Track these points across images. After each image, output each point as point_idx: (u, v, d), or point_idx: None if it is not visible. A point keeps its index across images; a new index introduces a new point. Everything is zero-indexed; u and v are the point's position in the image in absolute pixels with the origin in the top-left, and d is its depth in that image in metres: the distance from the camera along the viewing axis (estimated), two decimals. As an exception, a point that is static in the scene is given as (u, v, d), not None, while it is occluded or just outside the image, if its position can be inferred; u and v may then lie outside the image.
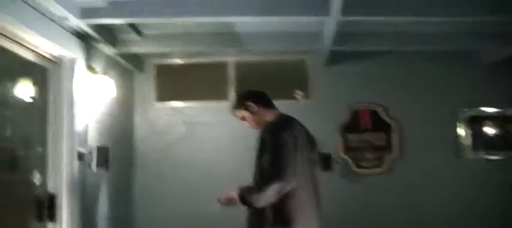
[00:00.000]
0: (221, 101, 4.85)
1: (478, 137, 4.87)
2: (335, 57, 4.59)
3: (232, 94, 4.85)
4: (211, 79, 4.95)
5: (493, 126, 4.91)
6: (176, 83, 4.96)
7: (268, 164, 2.64)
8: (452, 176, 4.84)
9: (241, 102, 3.06)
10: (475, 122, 4.88)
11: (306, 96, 4.91)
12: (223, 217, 3.72)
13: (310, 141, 2.98)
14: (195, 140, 4.88)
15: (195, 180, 4.78)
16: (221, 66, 4.96)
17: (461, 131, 4.87)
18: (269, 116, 2.97)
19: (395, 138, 4.86)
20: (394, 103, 4.90)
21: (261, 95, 3.09)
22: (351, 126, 4.90)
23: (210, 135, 4.86)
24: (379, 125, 4.89)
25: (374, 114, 4.89)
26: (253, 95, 3.06)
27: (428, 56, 4.91)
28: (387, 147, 4.86)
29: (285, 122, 2.88)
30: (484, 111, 4.91)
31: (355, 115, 4.89)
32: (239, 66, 4.97)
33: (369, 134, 4.89)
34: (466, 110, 4.88)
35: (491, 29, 4.18)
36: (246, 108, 3.02)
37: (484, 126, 4.90)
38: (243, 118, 3.07)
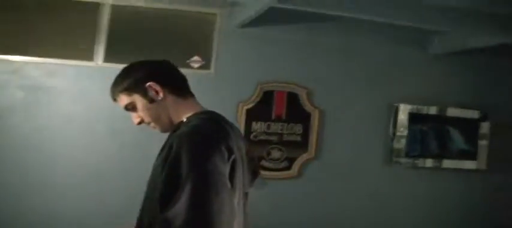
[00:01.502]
0: (83, 59, 3.37)
1: (415, 140, 3.89)
2: (257, 18, 3.30)
3: (100, 51, 3.39)
4: (70, 26, 3.38)
5: (433, 128, 3.95)
6: (13, 28, 3.32)
7: (184, 208, 1.43)
8: (379, 184, 3.85)
9: (134, 82, 1.74)
10: (414, 122, 3.88)
11: (206, 66, 3.59)
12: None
13: (251, 158, 1.82)
14: (37, 113, 3.35)
15: (35, 171, 3.32)
16: (88, 8, 3.43)
17: (396, 131, 3.86)
18: (183, 111, 1.76)
19: (313, 132, 3.74)
20: (320, 87, 3.75)
21: (172, 72, 1.82)
22: (259, 111, 3.66)
23: (60, 109, 3.37)
24: (296, 113, 3.71)
25: (293, 98, 3.70)
26: (157, 71, 1.78)
27: (373, 36, 3.80)
28: (302, 144, 3.72)
29: (215, 127, 1.68)
30: (425, 111, 3.92)
31: (268, 97, 3.66)
32: (117, 12, 3.46)
33: (282, 124, 3.70)
34: (404, 106, 3.85)
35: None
36: (143, 93, 1.73)
37: (423, 127, 3.92)
38: (133, 108, 1.77)
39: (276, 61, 3.68)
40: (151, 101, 1.72)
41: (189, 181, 1.44)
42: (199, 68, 3.57)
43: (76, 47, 3.39)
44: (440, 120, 3.95)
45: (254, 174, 1.84)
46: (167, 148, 1.57)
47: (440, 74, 4.03)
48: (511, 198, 4.22)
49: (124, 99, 1.76)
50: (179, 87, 1.79)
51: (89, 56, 3.39)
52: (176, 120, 1.75)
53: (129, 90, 1.74)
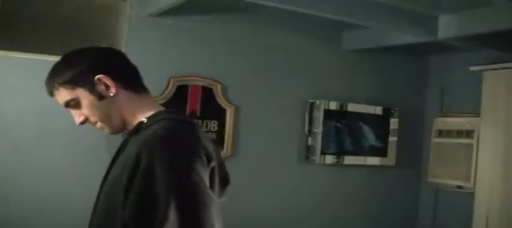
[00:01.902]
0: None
1: (330, 137, 3.87)
2: (172, 8, 3.08)
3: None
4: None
5: (347, 125, 3.95)
6: None
7: None
8: (295, 181, 3.78)
9: (79, 74, 1.45)
10: (329, 119, 3.85)
11: (113, 56, 3.29)
12: None
13: (220, 163, 1.55)
14: None
15: None
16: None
17: (312, 128, 3.81)
18: (140, 110, 1.49)
19: (229, 129, 3.58)
20: (235, 82, 3.60)
21: (124, 62, 1.54)
22: (173, 107, 3.39)
23: None
24: (211, 109, 3.53)
25: (207, 94, 3.51)
26: (107, 61, 1.51)
27: (288, 31, 3.71)
28: (218, 142, 3.53)
29: (189, 130, 1.45)
30: (339, 107, 3.90)
31: (182, 92, 3.43)
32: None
33: (196, 121, 3.48)
34: (318, 102, 3.81)
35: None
36: (90, 88, 1.45)
37: (338, 124, 3.91)
38: (76, 105, 1.48)
39: (189, 54, 3.48)
40: (101, 97, 1.44)
41: (172, 199, 1.23)
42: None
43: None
44: (353, 116, 3.96)
45: (224, 181, 1.58)
46: (131, 157, 1.31)
47: (353, 70, 4.04)
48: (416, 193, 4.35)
49: (64, 95, 1.45)
50: (133, 81, 1.51)
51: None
52: (132, 121, 1.48)
53: (71, 84, 1.44)
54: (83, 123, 1.50)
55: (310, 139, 3.80)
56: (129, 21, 3.33)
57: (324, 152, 3.83)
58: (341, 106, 3.89)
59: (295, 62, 3.80)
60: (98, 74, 1.43)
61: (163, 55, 3.41)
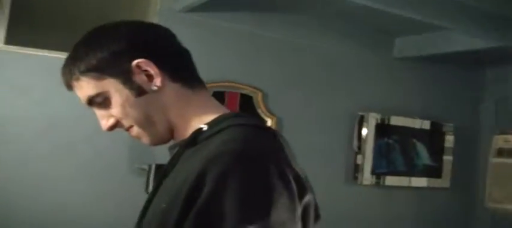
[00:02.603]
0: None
1: (382, 155, 3.40)
2: (205, 2, 2.65)
3: (0, 32, 2.56)
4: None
5: (404, 140, 3.48)
6: None
7: None
8: (341, 204, 3.31)
9: (110, 57, 1.01)
10: (381, 134, 3.39)
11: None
12: None
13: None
14: None
15: None
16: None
17: (361, 144, 3.34)
18: (198, 112, 1.07)
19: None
20: (276, 91, 3.15)
21: (174, 44, 1.11)
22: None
23: None
24: (250, 119, 3.08)
25: (246, 102, 3.06)
26: (151, 41, 1.07)
27: (338, 33, 3.27)
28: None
29: (274, 145, 0.99)
30: (393, 121, 3.44)
31: (217, 98, 2.96)
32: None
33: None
34: (369, 116, 3.35)
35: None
36: (125, 78, 1.02)
37: (390, 140, 3.44)
38: (103, 102, 1.05)
39: (227, 56, 3.03)
40: (139, 92, 1.02)
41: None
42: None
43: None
44: (405, 132, 3.50)
45: (316, 217, 1.10)
46: (187, 180, 0.89)
47: (405, 80, 3.59)
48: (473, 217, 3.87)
49: (87, 87, 1.03)
50: (186, 71, 1.09)
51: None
52: (183, 128, 1.06)
53: (98, 72, 1.01)
54: (112, 128, 1.07)
55: (359, 157, 3.33)
56: (159, 16, 2.90)
57: (374, 172, 3.36)
58: (391, 120, 3.43)
59: (343, 69, 3.35)
60: (137, 58, 1.00)
61: (198, 57, 2.95)
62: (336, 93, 3.32)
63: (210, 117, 1.03)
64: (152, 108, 1.03)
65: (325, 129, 3.27)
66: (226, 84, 2.99)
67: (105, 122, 1.06)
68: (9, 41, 2.55)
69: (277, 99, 3.13)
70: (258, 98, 3.06)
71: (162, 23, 2.75)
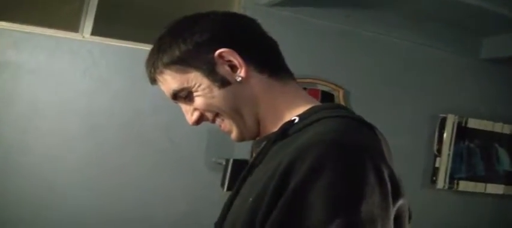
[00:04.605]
0: (65, 29, 2.50)
1: (462, 159, 3.26)
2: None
3: (88, 20, 2.54)
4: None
5: (486, 145, 3.33)
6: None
7: None
8: (417, 209, 3.18)
9: (194, 48, 0.95)
10: (462, 138, 3.25)
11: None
12: None
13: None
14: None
15: None
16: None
17: (441, 147, 3.21)
18: (287, 104, 0.99)
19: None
20: (358, 90, 3.04)
21: (258, 34, 1.02)
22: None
23: (25, 93, 2.48)
24: (329, 118, 2.99)
25: (327, 99, 2.96)
26: (235, 31, 0.99)
27: (422, 32, 3.13)
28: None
29: (371, 138, 0.88)
30: (475, 124, 3.29)
31: (297, 96, 2.91)
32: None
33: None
34: (450, 118, 3.20)
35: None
36: (209, 69, 0.96)
37: (473, 144, 3.30)
38: (188, 96, 0.99)
39: (309, 52, 2.95)
40: (223, 82, 0.96)
41: None
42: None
43: (57, 12, 2.51)
44: (487, 136, 3.34)
45: (409, 218, 1.06)
46: (278, 170, 0.82)
47: (491, 82, 3.42)
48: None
49: (172, 81, 0.98)
50: (273, 61, 1.01)
51: (73, 25, 2.52)
52: (272, 121, 0.98)
53: (182, 64, 0.96)
54: (198, 122, 1.01)
55: (438, 160, 3.20)
56: (242, 10, 2.83)
57: (453, 177, 3.23)
58: (469, 122, 3.28)
59: (426, 69, 3.22)
60: (220, 48, 0.94)
61: (285, 49, 2.88)
62: (419, 94, 3.20)
63: (302, 109, 0.96)
64: (238, 100, 0.97)
65: (406, 130, 3.16)
66: (308, 80, 2.91)
67: (190, 116, 1.01)
68: (96, 32, 2.53)
69: (358, 97, 3.04)
70: (339, 96, 2.97)
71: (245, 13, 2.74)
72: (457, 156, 3.23)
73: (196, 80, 0.97)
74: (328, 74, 2.96)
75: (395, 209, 0.83)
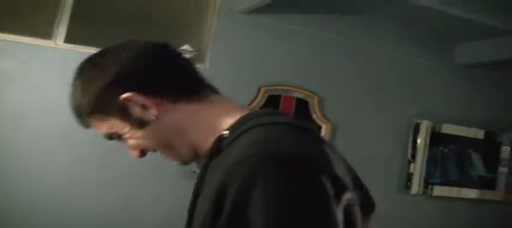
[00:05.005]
0: (39, 37, 2.49)
1: (435, 164, 3.31)
2: (267, 3, 2.59)
3: (61, 28, 2.54)
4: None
5: (459, 150, 3.38)
6: None
7: None
8: (392, 214, 3.21)
9: (100, 97, 0.96)
10: (437, 143, 3.29)
11: (199, 58, 2.80)
12: None
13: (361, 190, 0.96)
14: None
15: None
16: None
17: (415, 152, 3.25)
18: (215, 121, 0.98)
19: (321, 148, 3.05)
20: (332, 95, 3.07)
21: (164, 60, 1.01)
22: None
23: (7, 99, 2.47)
24: (305, 125, 3.00)
25: (301, 106, 2.99)
26: (136, 66, 0.97)
27: (394, 41, 3.17)
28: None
29: (303, 140, 0.88)
30: (449, 129, 3.33)
31: (273, 103, 2.92)
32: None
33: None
34: (424, 124, 3.25)
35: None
36: (122, 114, 0.96)
37: (447, 149, 3.34)
38: (119, 137, 1.01)
39: (284, 59, 2.97)
40: (141, 123, 0.97)
41: None
42: (191, 57, 2.79)
43: (32, 21, 2.50)
44: (461, 141, 3.39)
45: (368, 207, 1.01)
46: (212, 192, 0.82)
47: (465, 88, 3.47)
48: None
49: (101, 126, 1.01)
50: (188, 85, 1.00)
51: (47, 33, 2.51)
52: (205, 141, 0.97)
53: (98, 112, 0.98)
54: (142, 155, 1.03)
55: (412, 166, 3.24)
56: (218, 17, 2.85)
57: (428, 182, 3.27)
58: (443, 128, 3.32)
59: (401, 75, 3.26)
60: (123, 93, 0.94)
61: (254, 59, 2.90)
62: (393, 99, 3.23)
63: (230, 121, 0.95)
64: (162, 134, 0.98)
65: (380, 136, 3.19)
66: (282, 87, 2.93)
67: (132, 153, 1.03)
68: (69, 39, 2.53)
69: (333, 104, 3.06)
70: (314, 103, 2.99)
71: (222, 24, 2.76)
72: (432, 162, 3.27)
73: (117, 125, 0.98)
74: (303, 81, 2.98)
75: (343, 204, 0.82)
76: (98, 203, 2.61)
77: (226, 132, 0.93)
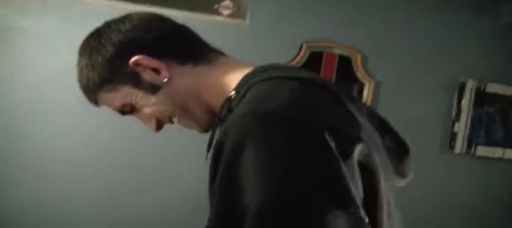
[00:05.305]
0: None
1: (481, 125, 3.22)
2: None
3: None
4: None
5: (505, 110, 3.27)
6: None
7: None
8: (436, 175, 3.15)
9: (109, 66, 0.97)
10: (481, 103, 3.19)
11: (239, 15, 2.75)
12: None
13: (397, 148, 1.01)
14: None
15: None
16: None
17: (460, 111, 3.16)
18: (223, 82, 0.97)
19: (363, 106, 2.99)
20: (376, 53, 2.99)
21: (166, 27, 1.02)
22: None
23: (34, 62, 2.48)
24: (347, 83, 2.94)
25: (344, 63, 2.92)
26: (141, 33, 0.98)
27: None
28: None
29: (305, 94, 0.83)
30: (495, 89, 3.23)
31: (315, 60, 2.85)
32: None
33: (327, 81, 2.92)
34: (469, 83, 3.14)
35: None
36: (134, 81, 0.98)
37: (492, 109, 3.24)
38: (132, 110, 1.02)
39: (327, 15, 2.89)
40: (153, 88, 0.97)
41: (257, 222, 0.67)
42: (230, 16, 2.74)
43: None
44: (507, 101, 3.28)
45: (401, 151, 1.02)
46: (214, 150, 0.81)
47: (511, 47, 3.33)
48: None
49: (111, 100, 1.00)
50: (192, 48, 1.00)
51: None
52: (218, 102, 0.95)
53: (108, 83, 0.98)
54: (159, 127, 1.03)
55: (456, 125, 3.16)
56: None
57: (471, 142, 3.19)
58: (488, 87, 3.21)
59: (446, 33, 3.14)
60: (131, 57, 0.94)
61: (297, 14, 2.83)
62: (439, 58, 3.12)
63: (236, 81, 0.94)
64: (177, 98, 0.98)
65: (425, 95, 3.11)
66: (325, 44, 2.86)
67: (149, 125, 1.02)
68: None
69: (377, 62, 2.98)
70: (357, 61, 2.92)
71: None
72: (476, 122, 3.18)
73: (130, 93, 0.98)
74: (346, 38, 2.90)
75: (354, 156, 0.77)
76: (119, 175, 2.63)
77: (233, 92, 0.92)
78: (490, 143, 3.24)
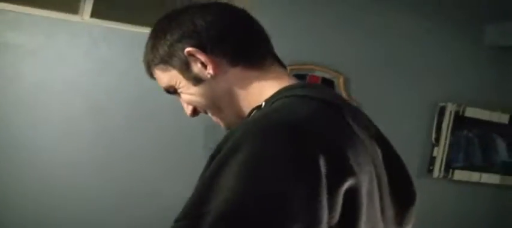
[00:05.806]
0: (64, 11, 2.45)
1: (458, 148, 3.26)
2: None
3: (87, 2, 2.50)
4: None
5: (484, 134, 3.33)
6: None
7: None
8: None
9: (168, 48, 1.00)
10: (460, 127, 3.24)
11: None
12: None
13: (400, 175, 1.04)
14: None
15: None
16: None
17: (439, 135, 3.20)
18: (261, 91, 0.98)
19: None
20: (358, 75, 3.02)
21: (236, 23, 1.04)
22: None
23: (27, 74, 2.45)
24: (329, 105, 2.95)
25: (328, 85, 2.94)
26: (207, 25, 0.99)
27: (421, 21, 3.09)
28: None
29: (318, 114, 0.85)
30: (474, 113, 3.28)
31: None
32: None
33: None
34: (449, 106, 3.19)
35: None
36: (183, 67, 1.00)
37: (470, 133, 3.29)
38: (175, 91, 1.06)
39: (310, 37, 2.91)
40: (197, 80, 1.00)
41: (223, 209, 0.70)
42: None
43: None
44: (486, 125, 3.33)
45: (404, 202, 1.02)
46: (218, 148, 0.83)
47: (492, 71, 3.39)
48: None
49: (161, 78, 1.06)
50: (250, 51, 1.01)
51: (72, 7, 2.47)
52: (249, 109, 0.98)
53: (163, 63, 1.03)
54: (194, 114, 1.08)
55: (436, 149, 3.20)
56: (244, -8, 2.78)
57: (449, 166, 3.23)
58: (466, 111, 3.26)
59: (429, 56, 3.18)
60: (188, 46, 0.98)
61: (279, 38, 2.83)
62: (420, 81, 3.17)
63: (272, 92, 0.96)
64: (214, 95, 1.01)
65: (405, 117, 3.14)
66: (308, 67, 2.88)
67: (186, 109, 1.08)
68: (95, 14, 2.49)
69: (359, 84, 3.01)
70: (339, 82, 2.95)
71: (240, 3, 2.70)
72: (455, 146, 3.22)
73: (176, 78, 1.02)
74: (329, 60, 2.93)
75: (343, 188, 0.77)
76: (123, 177, 2.62)
77: (263, 103, 0.94)
78: (468, 167, 3.29)
